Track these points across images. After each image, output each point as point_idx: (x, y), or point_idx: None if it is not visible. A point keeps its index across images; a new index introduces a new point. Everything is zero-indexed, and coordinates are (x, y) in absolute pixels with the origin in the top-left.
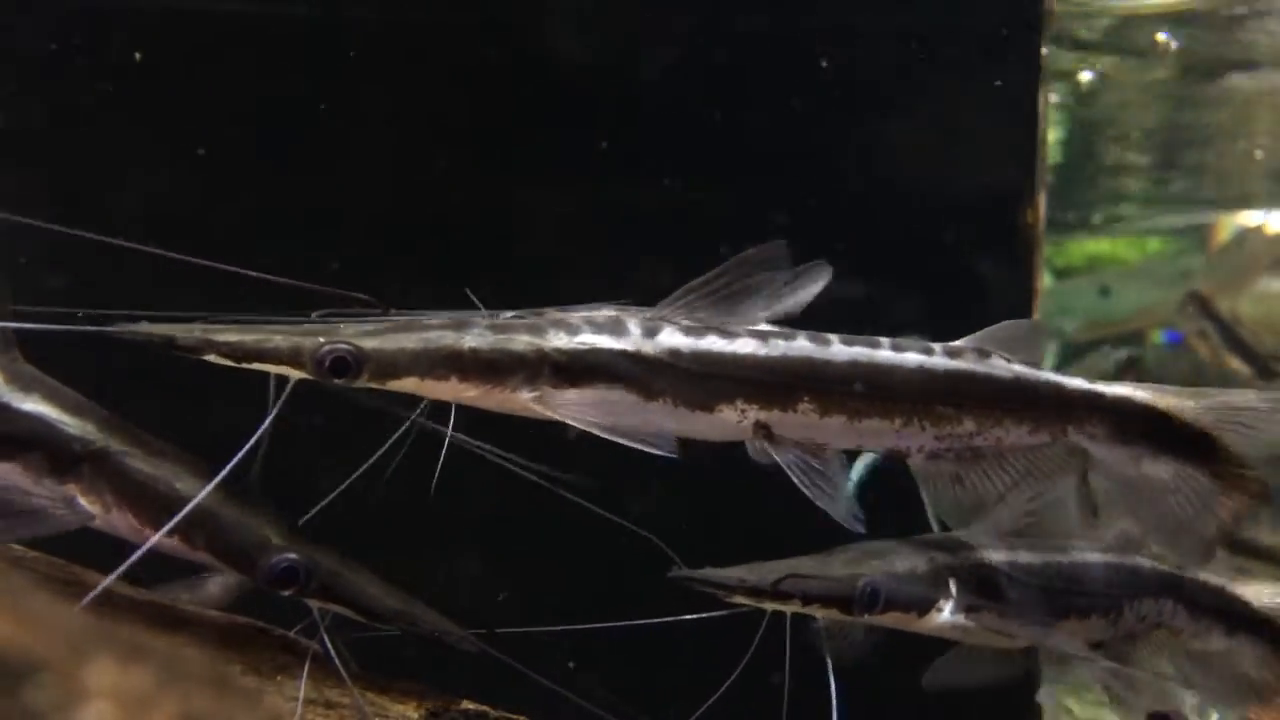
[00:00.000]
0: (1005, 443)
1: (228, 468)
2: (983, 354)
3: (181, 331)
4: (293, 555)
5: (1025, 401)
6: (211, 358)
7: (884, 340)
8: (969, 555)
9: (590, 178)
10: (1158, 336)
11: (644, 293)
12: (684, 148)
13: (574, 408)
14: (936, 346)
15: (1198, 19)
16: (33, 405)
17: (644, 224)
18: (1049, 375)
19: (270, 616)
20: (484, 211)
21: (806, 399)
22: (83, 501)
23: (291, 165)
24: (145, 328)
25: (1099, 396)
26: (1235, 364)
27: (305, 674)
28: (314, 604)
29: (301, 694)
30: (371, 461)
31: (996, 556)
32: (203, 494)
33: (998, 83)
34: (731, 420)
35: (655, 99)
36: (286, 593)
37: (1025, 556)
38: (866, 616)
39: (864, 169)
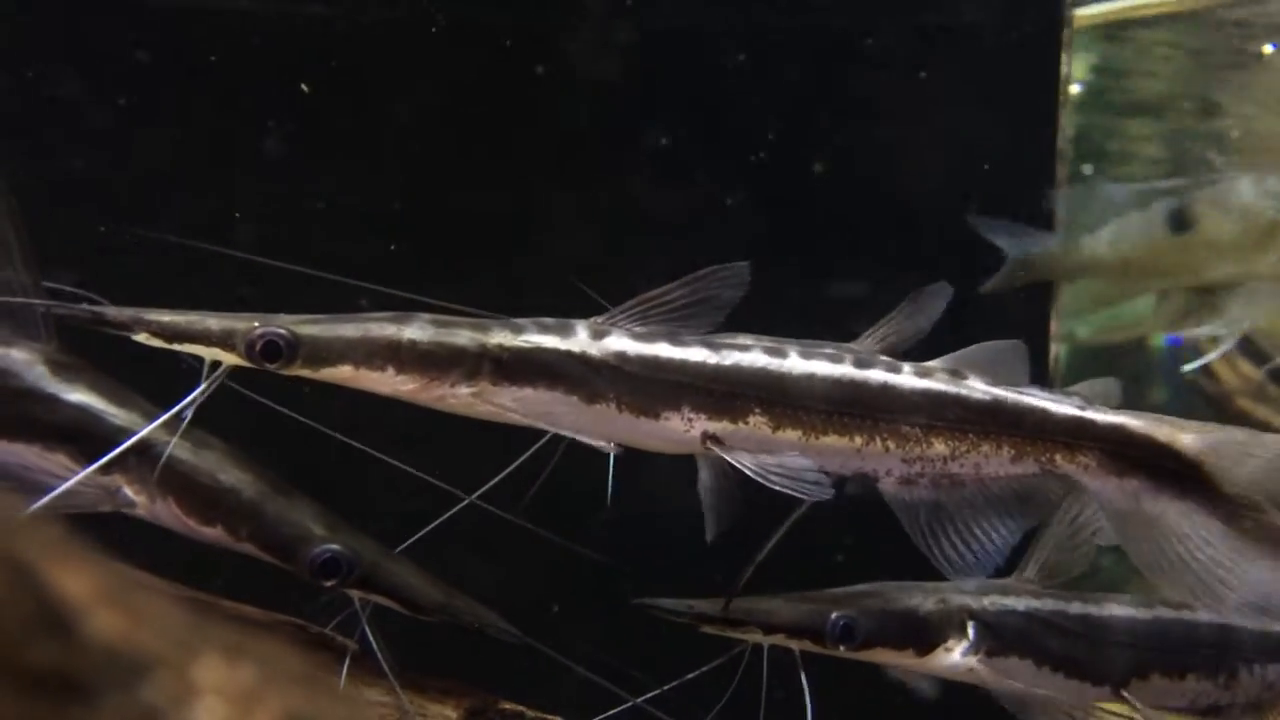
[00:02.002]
0: (985, 471)
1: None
2: (956, 374)
3: (114, 310)
4: (335, 546)
5: (1004, 426)
6: (142, 337)
7: (847, 355)
8: (1000, 600)
9: (621, 180)
10: (1159, 339)
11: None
12: (702, 147)
13: (513, 405)
14: (905, 364)
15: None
16: (78, 396)
17: (656, 225)
18: (1033, 399)
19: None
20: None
21: (758, 411)
22: (128, 491)
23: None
24: (78, 307)
25: (1090, 423)
26: (1248, 369)
27: (345, 671)
28: (355, 595)
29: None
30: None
31: (1037, 604)
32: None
33: (1017, 82)
34: (679, 429)
35: (674, 100)
36: (329, 584)
37: (1079, 607)
38: (844, 650)
39: (880, 170)
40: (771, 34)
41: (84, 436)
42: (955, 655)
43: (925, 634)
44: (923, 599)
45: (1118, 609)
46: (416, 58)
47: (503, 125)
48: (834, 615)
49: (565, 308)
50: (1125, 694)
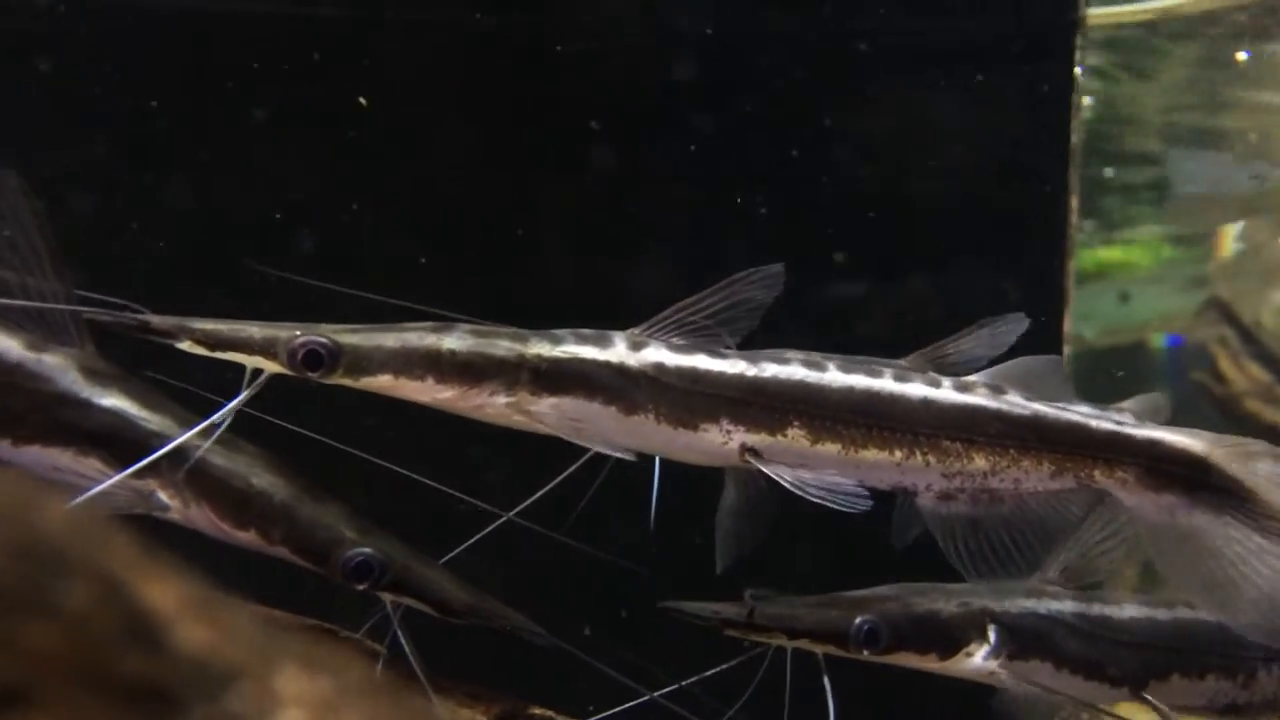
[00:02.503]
0: (1025, 486)
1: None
2: (996, 389)
3: (158, 318)
4: (367, 550)
5: (1044, 441)
6: (186, 345)
7: (887, 369)
8: (1021, 603)
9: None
10: (1159, 340)
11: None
12: (724, 150)
13: (551, 416)
14: (945, 379)
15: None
16: (112, 401)
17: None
18: (1072, 414)
19: None
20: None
21: (797, 424)
22: (162, 496)
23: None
24: (124, 314)
25: (1128, 439)
26: (1255, 371)
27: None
28: (387, 598)
29: None
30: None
31: (1057, 606)
32: (166, 448)
33: (1033, 86)
34: (717, 441)
35: (696, 101)
36: (361, 587)
37: (1099, 609)
38: (867, 654)
39: (897, 173)
40: (779, 38)
41: (118, 441)
42: (977, 659)
43: (948, 638)
44: (945, 602)
45: (1137, 610)
46: (442, 64)
47: (529, 133)
48: (859, 620)
49: (598, 319)
50: (1145, 695)
